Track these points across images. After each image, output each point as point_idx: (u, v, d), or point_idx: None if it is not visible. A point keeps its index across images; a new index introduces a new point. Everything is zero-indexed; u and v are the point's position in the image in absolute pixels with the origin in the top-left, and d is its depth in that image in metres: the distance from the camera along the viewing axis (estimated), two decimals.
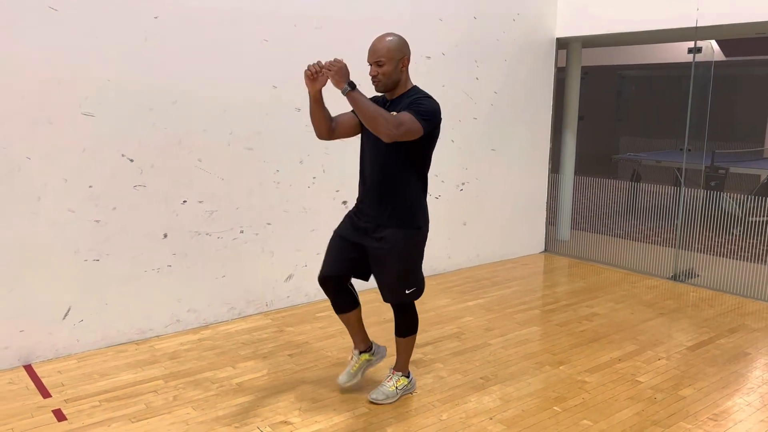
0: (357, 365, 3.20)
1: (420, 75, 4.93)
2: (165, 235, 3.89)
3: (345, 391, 3.22)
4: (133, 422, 2.90)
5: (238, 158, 4.09)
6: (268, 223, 4.29)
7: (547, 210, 6.21)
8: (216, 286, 4.12)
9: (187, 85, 3.81)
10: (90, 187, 3.58)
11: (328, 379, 3.36)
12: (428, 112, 2.74)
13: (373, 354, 3.23)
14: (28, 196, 3.38)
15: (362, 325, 3.17)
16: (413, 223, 2.89)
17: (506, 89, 5.56)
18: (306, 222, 4.48)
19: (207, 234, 4.03)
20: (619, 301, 4.72)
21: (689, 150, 5.38)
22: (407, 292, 2.97)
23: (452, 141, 5.25)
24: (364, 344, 3.20)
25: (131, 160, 3.70)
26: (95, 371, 3.42)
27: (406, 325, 3.09)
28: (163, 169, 3.81)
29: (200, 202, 3.99)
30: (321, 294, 4.64)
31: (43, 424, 2.87)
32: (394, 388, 3.13)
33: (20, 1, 3.22)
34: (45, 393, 3.17)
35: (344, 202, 4.61)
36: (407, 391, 3.19)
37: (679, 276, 5.29)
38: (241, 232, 4.17)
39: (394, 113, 2.70)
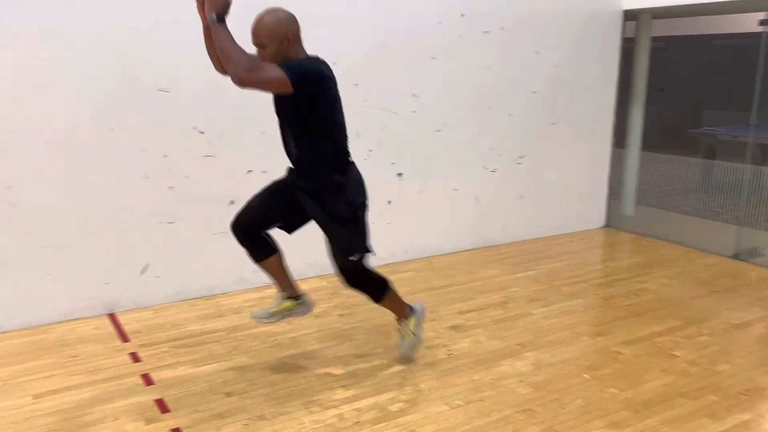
0: (276, 309, 3.24)
1: (478, 49, 5.02)
2: (231, 202, 4.22)
3: (385, 348, 3.47)
4: (197, 366, 3.28)
5: None
6: None
7: (609, 185, 6.15)
8: None
9: None
10: (165, 156, 3.96)
11: (371, 338, 3.61)
12: (298, 66, 2.62)
13: (300, 304, 3.23)
14: (111, 163, 3.79)
15: (286, 272, 3.15)
16: (345, 192, 2.88)
17: (568, 62, 5.53)
18: None
19: None
20: (673, 277, 4.69)
21: (757, 125, 5.18)
22: (351, 258, 2.98)
23: (510, 115, 5.31)
24: (291, 291, 3.20)
25: (202, 132, 4.04)
26: (168, 321, 3.84)
27: (371, 293, 3.13)
28: (230, 141, 4.14)
29: (264, 171, 4.28)
30: (375, 260, 4.88)
31: (121, 364, 3.30)
32: (411, 333, 3.23)
33: None
34: (124, 338, 3.61)
35: (399, 174, 4.81)
36: (421, 321, 3.28)
37: (742, 255, 5.16)
38: None
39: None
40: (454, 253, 5.20)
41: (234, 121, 4.13)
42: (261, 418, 2.82)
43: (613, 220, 6.22)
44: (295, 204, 2.99)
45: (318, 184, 2.89)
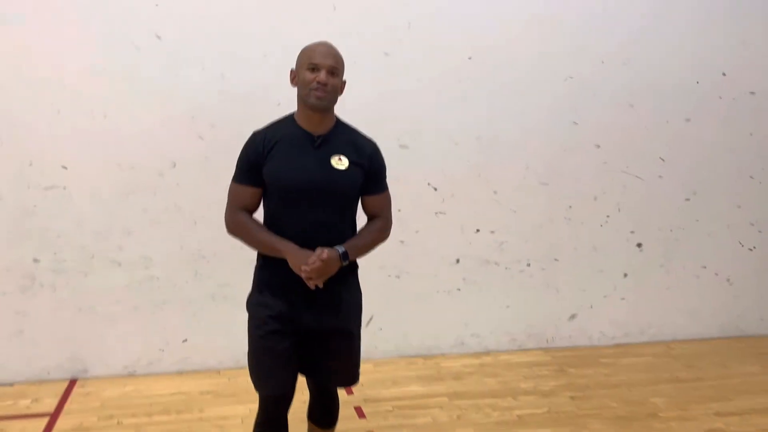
0: None
1: (742, 111, 4.40)
2: (457, 261, 4.12)
3: None
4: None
5: (531, 192, 4.15)
6: (556, 259, 4.25)
7: None
8: (500, 316, 4.22)
9: (489, 122, 4.00)
10: (398, 210, 3.95)
11: (609, 429, 3.18)
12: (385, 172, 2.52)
13: None
14: None
15: None
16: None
17: None
18: (595, 261, 4.32)
19: (495, 263, 4.16)
20: None
21: None
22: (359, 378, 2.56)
23: None
24: None
25: (435, 189, 4.01)
26: (389, 378, 3.76)
27: (334, 411, 2.58)
28: (461, 199, 4.05)
29: (492, 232, 4.14)
30: (605, 338, 4.43)
31: (347, 417, 3.24)
32: None
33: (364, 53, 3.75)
34: (348, 390, 3.59)
35: (639, 245, 4.35)
36: None
37: None
38: (528, 265, 4.21)
39: (375, 220, 2.49)
40: (698, 340, 4.52)
41: (466, 180, 4.04)
42: None
43: None
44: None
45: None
